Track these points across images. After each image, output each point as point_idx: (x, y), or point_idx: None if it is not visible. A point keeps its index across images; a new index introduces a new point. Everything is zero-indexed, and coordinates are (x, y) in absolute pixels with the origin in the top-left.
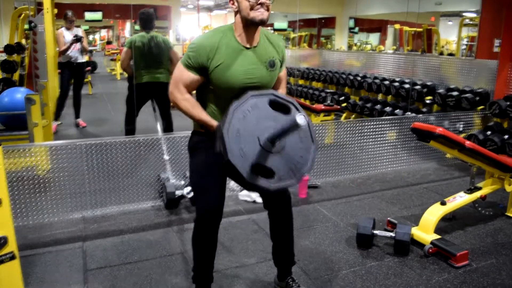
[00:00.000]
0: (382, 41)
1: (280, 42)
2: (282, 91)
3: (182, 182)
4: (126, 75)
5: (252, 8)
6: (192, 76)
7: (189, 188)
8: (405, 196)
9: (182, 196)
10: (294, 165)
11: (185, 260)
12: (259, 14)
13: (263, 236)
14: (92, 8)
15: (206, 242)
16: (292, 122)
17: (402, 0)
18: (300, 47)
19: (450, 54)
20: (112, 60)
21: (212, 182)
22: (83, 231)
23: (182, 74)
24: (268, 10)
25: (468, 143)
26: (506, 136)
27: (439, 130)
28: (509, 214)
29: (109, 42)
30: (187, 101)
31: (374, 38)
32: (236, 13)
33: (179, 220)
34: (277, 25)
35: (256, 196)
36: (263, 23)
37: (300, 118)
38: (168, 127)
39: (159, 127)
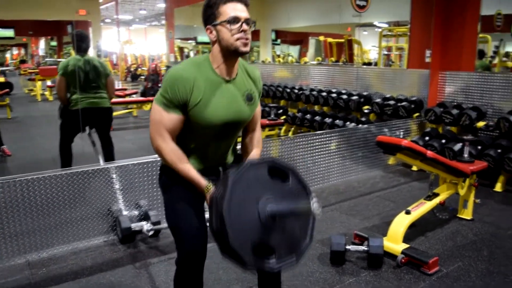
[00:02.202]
0: (303, 53)
1: (257, 75)
2: (257, 134)
3: (136, 213)
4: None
5: (235, 37)
6: (174, 117)
7: (148, 225)
8: (362, 206)
9: (140, 231)
10: (293, 239)
11: None
12: (242, 44)
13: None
14: (3, 24)
15: (192, 284)
16: (306, 209)
17: (323, 13)
18: None
19: (369, 63)
20: (30, 80)
21: (192, 221)
22: (31, 278)
23: (161, 118)
24: (248, 39)
25: (429, 153)
26: (443, 141)
27: (405, 142)
28: (461, 216)
29: (23, 61)
30: (173, 153)
31: (293, 50)
32: (213, 42)
33: (140, 255)
34: (201, 38)
35: None
36: (246, 53)
37: (317, 208)
38: (109, 155)
39: (100, 157)
